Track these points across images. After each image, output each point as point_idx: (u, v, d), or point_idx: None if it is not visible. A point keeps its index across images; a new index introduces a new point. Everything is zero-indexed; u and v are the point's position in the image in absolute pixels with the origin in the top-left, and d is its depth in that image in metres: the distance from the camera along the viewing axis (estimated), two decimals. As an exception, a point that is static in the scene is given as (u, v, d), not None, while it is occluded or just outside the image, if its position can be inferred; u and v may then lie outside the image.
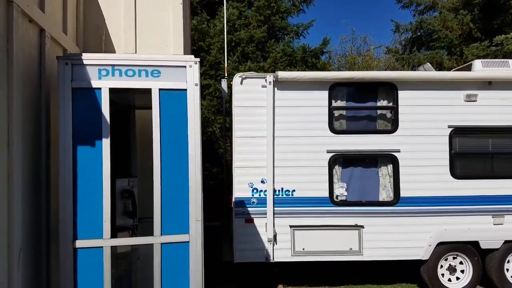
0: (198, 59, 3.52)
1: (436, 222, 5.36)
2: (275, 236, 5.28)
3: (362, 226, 5.34)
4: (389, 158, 5.44)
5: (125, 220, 3.93)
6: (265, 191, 5.28)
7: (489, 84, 5.46)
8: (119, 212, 3.87)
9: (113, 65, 3.38)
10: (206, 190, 4.00)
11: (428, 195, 5.37)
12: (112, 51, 4.72)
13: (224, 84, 6.80)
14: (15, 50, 2.83)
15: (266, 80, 5.30)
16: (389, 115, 5.50)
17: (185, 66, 3.48)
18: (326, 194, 5.34)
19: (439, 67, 11.53)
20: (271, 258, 5.28)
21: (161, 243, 3.40)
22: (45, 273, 3.34)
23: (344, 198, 5.38)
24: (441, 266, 5.48)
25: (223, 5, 8.53)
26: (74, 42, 4.40)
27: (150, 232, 3.43)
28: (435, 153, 5.41)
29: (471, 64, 5.85)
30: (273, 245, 5.28)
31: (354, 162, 5.48)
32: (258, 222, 5.29)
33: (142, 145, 4.47)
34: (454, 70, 6.87)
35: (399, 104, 5.40)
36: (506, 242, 5.41)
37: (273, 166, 5.28)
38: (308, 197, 5.33)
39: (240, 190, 5.30)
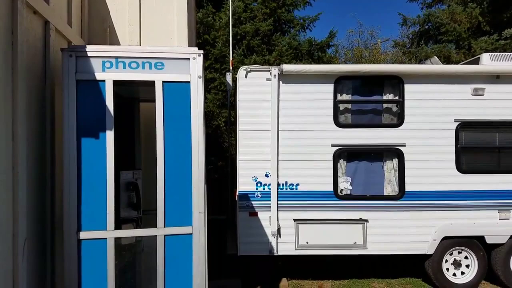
0: (201, 51, 3.50)
1: (441, 216, 5.34)
2: (279, 229, 5.29)
3: (366, 220, 5.33)
4: (394, 152, 5.41)
5: (130, 212, 3.94)
6: (269, 184, 5.28)
7: (497, 78, 5.40)
8: (123, 204, 3.88)
9: (117, 57, 3.37)
10: (211, 183, 4.01)
11: (434, 190, 5.34)
12: (117, 43, 4.73)
13: (229, 77, 6.79)
14: (19, 42, 2.83)
15: (271, 73, 5.27)
16: (395, 109, 5.46)
17: (188, 59, 3.46)
18: (330, 188, 5.33)
19: (447, 61, 11.37)
20: (275, 251, 5.30)
21: (165, 235, 3.42)
22: (49, 263, 3.38)
23: (348, 192, 5.37)
24: (446, 261, 5.46)
25: (229, -2, 8.49)
26: (78, 35, 4.41)
27: (154, 225, 3.44)
28: (441, 147, 5.37)
29: (479, 57, 5.80)
30: (277, 239, 5.29)
31: (359, 156, 5.46)
32: (262, 215, 5.30)
33: (146, 137, 4.48)
34: (462, 64, 6.80)
35: (405, 97, 5.36)
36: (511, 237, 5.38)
37: (277, 160, 5.27)
38: (312, 191, 5.33)
39: (244, 183, 5.30)
